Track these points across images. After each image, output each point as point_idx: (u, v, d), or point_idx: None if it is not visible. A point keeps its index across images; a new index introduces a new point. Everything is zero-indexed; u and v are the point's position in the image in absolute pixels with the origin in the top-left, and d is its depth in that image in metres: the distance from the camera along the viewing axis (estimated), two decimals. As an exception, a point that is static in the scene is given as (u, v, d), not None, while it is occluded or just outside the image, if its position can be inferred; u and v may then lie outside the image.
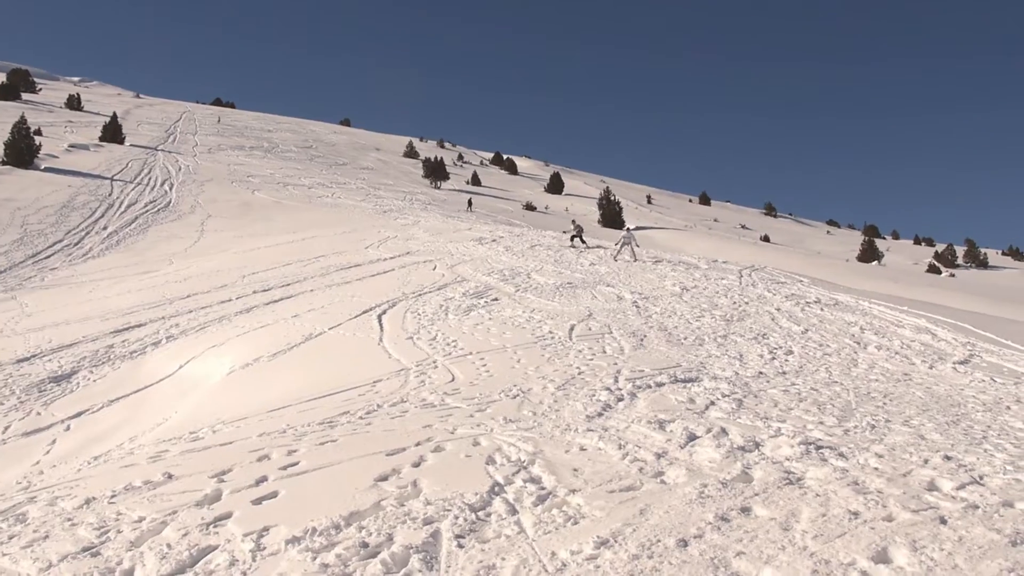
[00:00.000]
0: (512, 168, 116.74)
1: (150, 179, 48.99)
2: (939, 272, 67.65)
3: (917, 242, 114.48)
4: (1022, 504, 4.67)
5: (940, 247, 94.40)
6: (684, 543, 4.21)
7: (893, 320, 16.16)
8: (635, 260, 25.55)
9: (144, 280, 23.94)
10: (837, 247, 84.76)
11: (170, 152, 64.82)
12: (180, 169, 54.69)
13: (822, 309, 17.05)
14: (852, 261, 66.25)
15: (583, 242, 29.15)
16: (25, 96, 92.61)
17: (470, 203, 60.06)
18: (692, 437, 6.43)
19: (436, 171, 78.69)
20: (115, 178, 47.28)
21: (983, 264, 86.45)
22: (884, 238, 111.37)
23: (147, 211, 39.37)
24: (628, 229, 28.50)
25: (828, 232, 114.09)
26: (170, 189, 46.16)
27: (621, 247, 26.60)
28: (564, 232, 32.56)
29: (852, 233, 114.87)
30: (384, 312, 15.26)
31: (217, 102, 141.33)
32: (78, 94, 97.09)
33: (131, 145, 65.32)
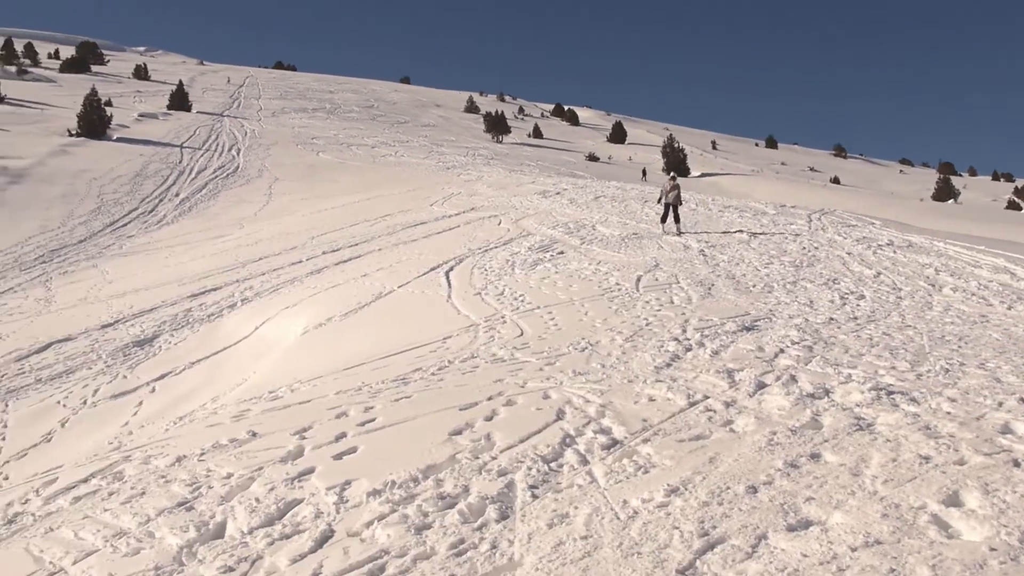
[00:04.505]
0: (573, 119, 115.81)
1: (218, 145, 49.84)
2: (1019, 208, 65.52)
3: (996, 178, 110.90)
4: (1099, 445, 4.63)
5: (1021, 182, 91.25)
6: (754, 489, 4.28)
7: (969, 260, 15.79)
8: (679, 231, 18.63)
9: (217, 244, 24.52)
10: (910, 187, 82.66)
11: (235, 117, 65.76)
12: (246, 134, 55.50)
13: (895, 251, 16.74)
14: (926, 200, 64.59)
15: (676, 220, 19.08)
16: (94, 68, 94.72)
17: (644, 172, 58.72)
18: (761, 385, 6.46)
19: (497, 125, 78.52)
20: (184, 145, 48.22)
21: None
22: (960, 175, 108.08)
23: (216, 176, 40.12)
24: (673, 177, 20.21)
25: (901, 172, 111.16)
26: (237, 154, 46.93)
27: (667, 203, 19.16)
28: (659, 201, 20.19)
29: (926, 172, 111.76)
30: (451, 269, 15.42)
31: (279, 65, 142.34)
32: (145, 64, 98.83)
33: (198, 112, 66.45)
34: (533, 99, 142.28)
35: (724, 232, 19.40)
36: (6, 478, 9.06)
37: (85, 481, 5.61)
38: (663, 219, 19.37)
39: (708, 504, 4.14)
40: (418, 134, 70.33)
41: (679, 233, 18.55)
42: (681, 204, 19.67)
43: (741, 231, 19.45)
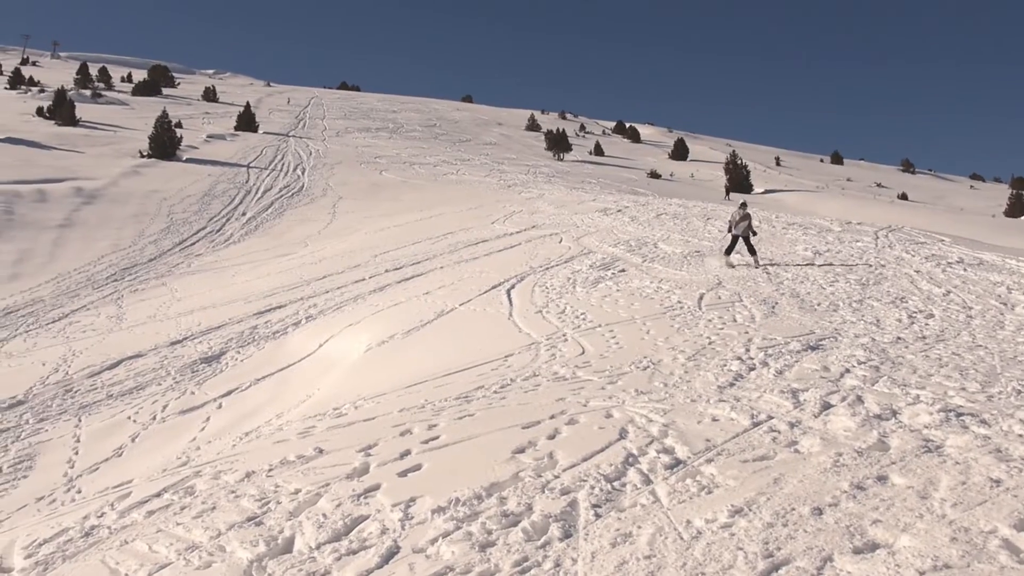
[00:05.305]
0: (635, 136, 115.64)
1: (283, 165, 50.75)
2: (1096, 224, 63.44)
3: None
4: None
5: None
6: (819, 511, 4.24)
7: (1044, 278, 15.38)
8: (757, 263, 16.73)
9: (282, 263, 24.95)
10: (982, 202, 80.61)
11: (300, 138, 66.94)
12: (311, 154, 56.42)
13: (965, 269, 16.37)
14: (999, 217, 63.02)
15: (751, 252, 17.14)
16: (165, 91, 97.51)
17: (728, 191, 58.25)
18: (826, 406, 6.39)
19: (558, 143, 78.75)
20: (251, 165, 49.21)
21: None
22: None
23: (282, 196, 40.82)
24: (744, 205, 18.58)
25: (972, 187, 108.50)
26: (302, 173, 47.73)
27: (735, 234, 17.44)
28: (729, 231, 17.85)
29: (998, 187, 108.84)
30: (513, 287, 15.49)
31: (343, 86, 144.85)
32: (213, 86, 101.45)
33: (264, 133, 67.79)
34: (594, 116, 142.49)
35: (788, 250, 19.18)
36: (79, 491, 9.34)
37: (158, 495, 5.77)
38: (728, 251, 17.32)
39: (773, 525, 4.11)
40: (479, 152, 70.83)
41: (757, 266, 16.60)
42: (754, 235, 17.73)
43: (816, 259, 19.17)
